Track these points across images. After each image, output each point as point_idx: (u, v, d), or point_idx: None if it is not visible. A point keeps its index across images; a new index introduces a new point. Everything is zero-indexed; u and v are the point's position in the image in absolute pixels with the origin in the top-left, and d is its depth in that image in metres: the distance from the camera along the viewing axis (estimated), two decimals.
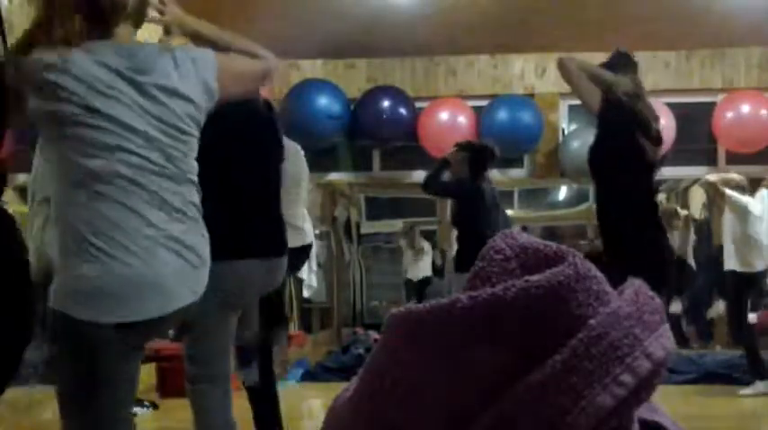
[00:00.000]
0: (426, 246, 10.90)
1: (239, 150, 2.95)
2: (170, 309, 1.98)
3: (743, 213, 6.33)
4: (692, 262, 8.72)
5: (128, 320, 1.92)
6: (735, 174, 6.73)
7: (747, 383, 6.30)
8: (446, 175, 5.68)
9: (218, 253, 2.44)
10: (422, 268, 10.80)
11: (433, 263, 10.85)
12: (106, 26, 1.98)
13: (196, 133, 2.08)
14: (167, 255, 1.96)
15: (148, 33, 2.26)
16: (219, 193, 2.75)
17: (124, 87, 1.94)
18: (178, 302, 2.00)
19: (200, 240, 2.08)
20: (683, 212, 8.97)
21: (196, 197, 2.07)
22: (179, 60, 2.04)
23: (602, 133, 3.79)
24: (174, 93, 2.00)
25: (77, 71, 1.90)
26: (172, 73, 2.01)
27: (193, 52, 2.13)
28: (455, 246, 6.51)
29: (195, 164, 2.09)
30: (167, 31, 2.18)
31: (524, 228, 10.10)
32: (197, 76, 2.07)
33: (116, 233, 1.90)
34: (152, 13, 2.14)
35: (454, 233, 6.69)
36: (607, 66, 3.85)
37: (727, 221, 6.53)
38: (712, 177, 6.60)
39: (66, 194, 1.94)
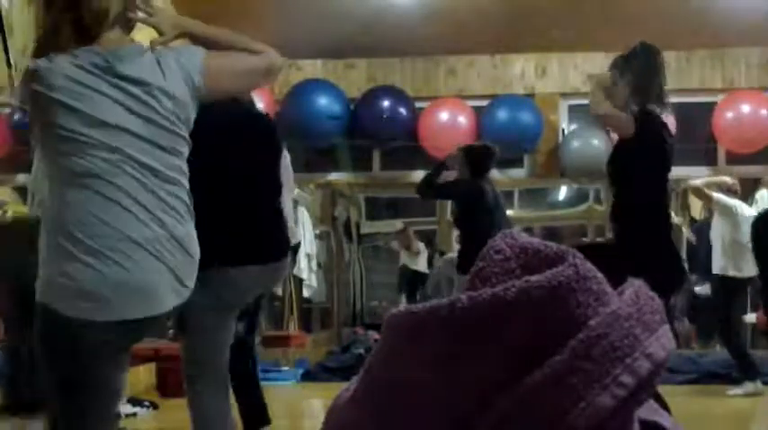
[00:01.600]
0: (421, 246, 10.87)
1: (234, 157, 2.95)
2: (155, 311, 1.99)
3: (731, 216, 6.33)
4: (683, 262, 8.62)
5: (112, 319, 1.92)
6: (726, 177, 6.74)
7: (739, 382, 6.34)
8: (447, 177, 5.68)
9: (215, 260, 2.49)
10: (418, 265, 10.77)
11: (431, 263, 10.82)
12: (90, 34, 2.03)
13: (182, 131, 2.08)
14: (154, 259, 1.96)
15: (143, 36, 2.28)
16: (214, 201, 2.76)
17: (107, 88, 1.97)
18: (163, 306, 2.00)
19: (190, 237, 2.07)
20: (676, 219, 8.91)
21: (185, 194, 2.07)
22: (161, 57, 2.07)
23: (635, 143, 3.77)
24: (157, 90, 2.02)
25: (57, 75, 1.95)
26: (155, 70, 2.03)
27: (177, 48, 2.15)
28: (456, 247, 6.50)
29: (183, 162, 2.08)
30: (160, 33, 2.18)
31: (527, 230, 10.09)
32: (180, 72, 2.08)
33: (104, 233, 1.91)
34: (140, 15, 2.15)
35: (455, 234, 6.68)
36: (624, 59, 3.85)
37: (716, 225, 6.53)
38: (697, 182, 6.58)
39: (57, 194, 1.97)
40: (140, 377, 5.89)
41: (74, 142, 1.93)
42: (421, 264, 10.82)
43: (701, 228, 8.20)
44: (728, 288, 6.37)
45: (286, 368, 7.45)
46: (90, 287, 1.89)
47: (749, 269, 6.26)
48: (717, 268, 6.43)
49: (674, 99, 7.67)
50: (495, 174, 6.72)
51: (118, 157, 1.94)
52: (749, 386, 6.21)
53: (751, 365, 6.29)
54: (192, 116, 2.12)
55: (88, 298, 1.90)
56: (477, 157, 5.43)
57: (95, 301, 1.90)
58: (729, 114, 7.59)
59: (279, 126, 3.59)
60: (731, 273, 6.32)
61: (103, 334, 1.92)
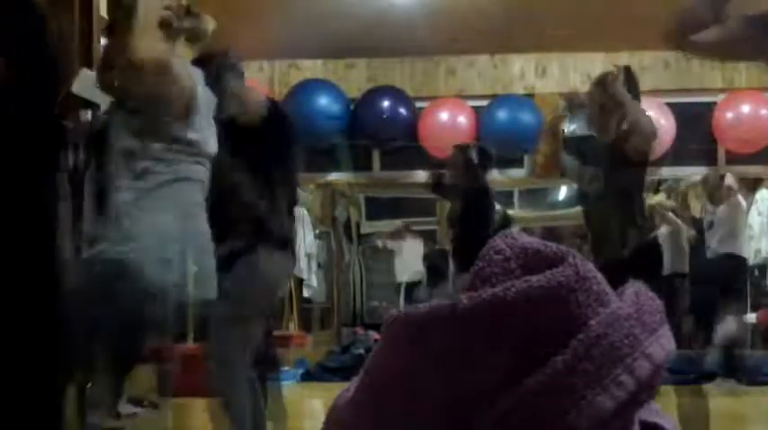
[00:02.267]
0: (414, 243, 10.87)
1: (244, 150, 2.99)
2: (202, 270, 2.54)
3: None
4: (684, 257, 8.62)
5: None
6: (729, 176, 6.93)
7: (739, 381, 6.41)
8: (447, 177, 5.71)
9: (231, 249, 2.74)
10: (411, 270, 10.75)
11: (432, 260, 10.80)
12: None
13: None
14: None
15: None
16: (229, 197, 2.87)
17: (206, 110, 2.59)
18: (206, 267, 2.57)
19: None
20: (668, 203, 8.88)
21: None
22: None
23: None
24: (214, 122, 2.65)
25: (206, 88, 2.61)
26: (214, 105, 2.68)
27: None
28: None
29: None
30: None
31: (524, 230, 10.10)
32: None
33: (192, 211, 2.54)
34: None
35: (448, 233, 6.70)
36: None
37: (723, 213, 6.73)
38: (733, 185, 6.81)
39: (162, 185, 2.47)
40: (140, 377, 5.89)
41: (196, 155, 2.50)
42: (414, 270, 10.83)
43: (700, 227, 8.21)
44: (731, 266, 6.57)
45: (286, 368, 7.45)
46: (166, 239, 2.40)
47: (749, 250, 6.58)
48: (717, 247, 6.64)
49: (674, 99, 7.71)
50: (495, 174, 6.73)
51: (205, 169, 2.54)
52: (726, 383, 6.32)
53: (731, 360, 6.40)
54: None
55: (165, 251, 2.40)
56: (478, 156, 5.46)
57: (165, 250, 2.40)
58: (729, 114, 7.60)
59: None
60: (736, 251, 6.57)
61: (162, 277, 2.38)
